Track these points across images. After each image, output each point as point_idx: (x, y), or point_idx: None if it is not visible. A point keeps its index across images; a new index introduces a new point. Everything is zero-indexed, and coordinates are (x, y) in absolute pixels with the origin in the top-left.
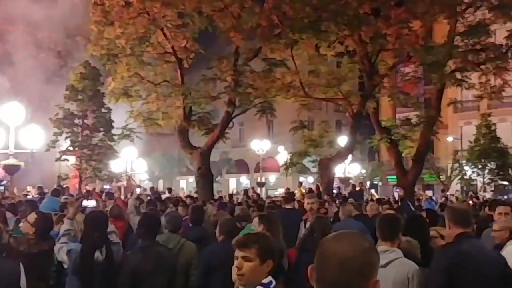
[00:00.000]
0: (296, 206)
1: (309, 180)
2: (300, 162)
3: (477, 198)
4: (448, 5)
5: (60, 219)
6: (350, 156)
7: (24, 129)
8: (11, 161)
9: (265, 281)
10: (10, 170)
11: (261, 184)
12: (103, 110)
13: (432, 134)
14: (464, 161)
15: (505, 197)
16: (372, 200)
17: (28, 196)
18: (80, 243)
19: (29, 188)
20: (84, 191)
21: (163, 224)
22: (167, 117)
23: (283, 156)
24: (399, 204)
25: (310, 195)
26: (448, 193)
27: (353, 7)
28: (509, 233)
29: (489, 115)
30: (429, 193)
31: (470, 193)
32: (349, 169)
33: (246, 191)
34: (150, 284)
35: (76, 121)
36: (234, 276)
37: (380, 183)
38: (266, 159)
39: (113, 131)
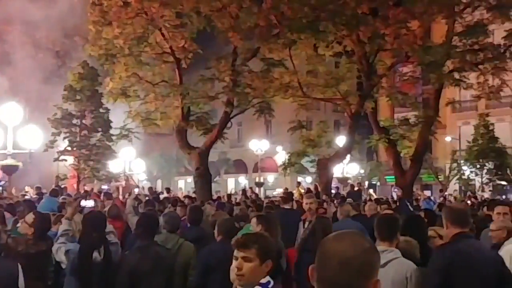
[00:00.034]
0: (295, 206)
1: (307, 180)
2: (299, 162)
3: (475, 198)
4: (446, 5)
5: (58, 219)
6: (348, 156)
7: (22, 129)
8: (9, 161)
9: (263, 281)
10: (8, 170)
11: (259, 184)
12: (101, 110)
13: (430, 134)
14: (462, 161)
15: (504, 197)
16: (370, 200)
17: (26, 197)
18: (78, 243)
19: (27, 188)
20: (82, 191)
21: (161, 224)
22: (165, 117)
23: (281, 156)
24: (398, 204)
25: (309, 195)
26: (446, 193)
27: (351, 7)
28: (507, 232)
29: (487, 115)
30: (427, 193)
31: (469, 193)
32: (347, 169)
33: (244, 191)
34: (148, 284)
35: (74, 121)
36: (232, 276)
37: (378, 183)
38: (264, 159)
39: (111, 131)
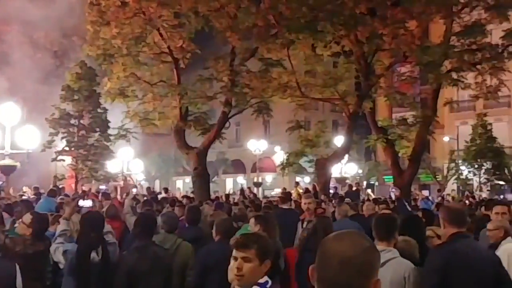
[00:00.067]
0: (293, 206)
1: (305, 180)
2: (297, 162)
3: (473, 197)
4: (444, 5)
5: (56, 219)
6: (346, 156)
7: (20, 130)
8: (7, 161)
9: (261, 280)
10: (6, 170)
11: (257, 184)
12: (99, 110)
13: (428, 134)
14: (460, 161)
15: (501, 196)
16: (368, 200)
17: (24, 197)
18: (76, 244)
19: (25, 188)
20: (80, 191)
21: (159, 224)
22: (164, 117)
23: (279, 156)
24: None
25: (307, 195)
26: (444, 193)
27: (349, 7)
28: (504, 232)
29: (485, 115)
30: (425, 193)
31: (466, 192)
32: (345, 169)
33: (242, 191)
34: (146, 285)
35: (72, 121)
36: (230, 276)
37: (376, 183)
38: (262, 159)
39: (109, 131)
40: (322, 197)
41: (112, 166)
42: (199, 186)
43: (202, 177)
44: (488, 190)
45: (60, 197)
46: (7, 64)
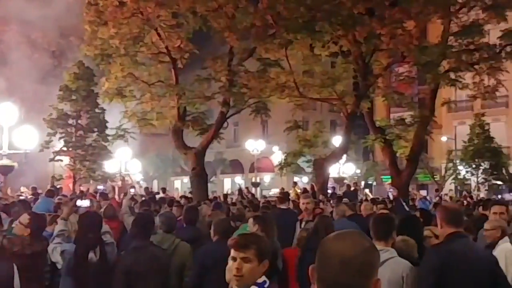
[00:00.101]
0: (291, 206)
1: (303, 180)
2: (295, 162)
3: (471, 197)
4: (442, 5)
5: (54, 219)
6: (344, 156)
7: (17, 130)
8: (5, 161)
9: (259, 280)
10: (4, 170)
11: (256, 184)
12: (97, 110)
13: (426, 134)
14: (458, 161)
15: (499, 196)
16: (366, 200)
17: (22, 197)
18: (74, 244)
19: (23, 188)
20: (78, 191)
21: (157, 224)
22: (162, 117)
23: (277, 156)
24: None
25: (306, 195)
26: (442, 193)
27: (347, 7)
28: (501, 232)
29: (482, 115)
30: (423, 192)
31: (464, 192)
32: (343, 169)
33: (240, 191)
34: (144, 285)
35: (70, 121)
36: (228, 276)
37: (374, 183)
38: (260, 159)
39: (107, 132)
40: (320, 197)
41: (110, 166)
42: (197, 186)
43: (200, 177)
44: (486, 190)
45: (58, 197)
46: (4, 64)
